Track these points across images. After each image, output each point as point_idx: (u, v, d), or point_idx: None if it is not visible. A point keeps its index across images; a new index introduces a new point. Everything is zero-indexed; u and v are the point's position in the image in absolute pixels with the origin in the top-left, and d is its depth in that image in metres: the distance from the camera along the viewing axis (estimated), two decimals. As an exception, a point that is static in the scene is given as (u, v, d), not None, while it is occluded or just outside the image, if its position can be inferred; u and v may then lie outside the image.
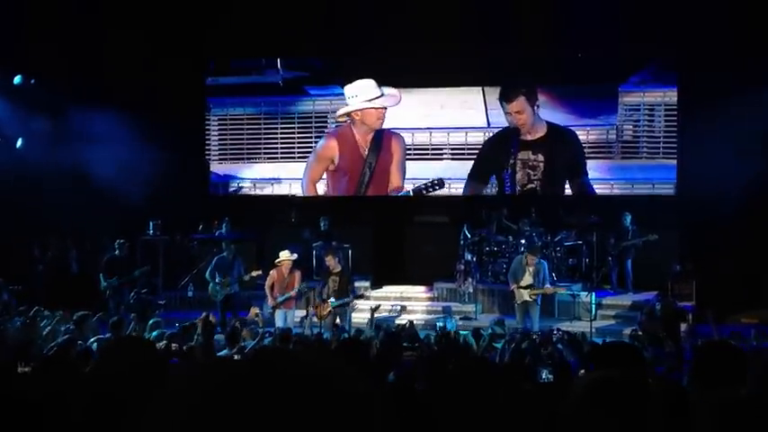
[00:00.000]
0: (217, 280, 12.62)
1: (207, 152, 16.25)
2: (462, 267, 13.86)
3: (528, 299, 11.86)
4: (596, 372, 2.08)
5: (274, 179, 15.85)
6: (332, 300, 11.82)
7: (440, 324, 11.86)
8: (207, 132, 16.22)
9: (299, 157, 15.67)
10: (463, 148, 15.21)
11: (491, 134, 14.99)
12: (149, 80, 14.60)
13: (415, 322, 11.46)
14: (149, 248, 14.52)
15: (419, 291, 14.53)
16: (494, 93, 14.73)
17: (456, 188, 15.04)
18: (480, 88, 14.92)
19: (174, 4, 14.93)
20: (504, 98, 14.56)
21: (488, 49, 14.06)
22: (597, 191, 14.63)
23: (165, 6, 14.83)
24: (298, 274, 12.18)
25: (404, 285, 14.59)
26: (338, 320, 11.77)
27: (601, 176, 14.60)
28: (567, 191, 14.74)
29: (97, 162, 14.31)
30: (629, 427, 1.77)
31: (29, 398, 3.10)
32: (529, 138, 14.58)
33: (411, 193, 14.95)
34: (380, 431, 1.04)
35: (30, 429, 2.98)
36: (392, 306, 13.73)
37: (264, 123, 15.96)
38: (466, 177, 15.02)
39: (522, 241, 13.60)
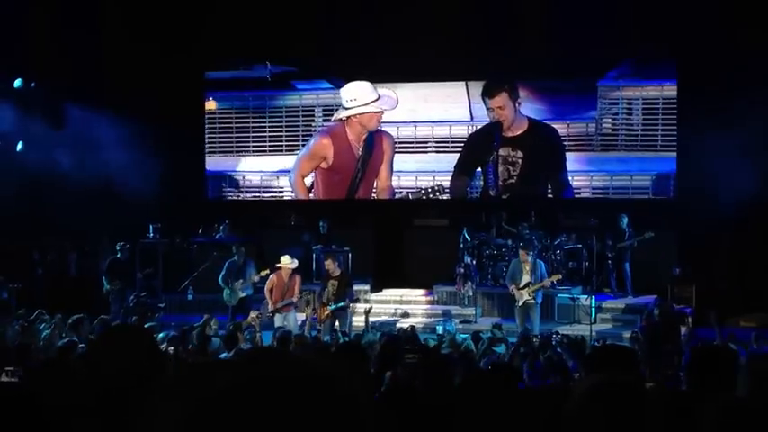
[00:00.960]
0: (230, 285, 12.62)
1: (206, 154, 16.35)
2: (462, 271, 13.86)
3: (528, 299, 11.82)
4: (596, 376, 2.08)
5: (263, 171, 16.14)
6: (331, 304, 11.82)
7: (440, 328, 11.85)
8: (206, 134, 16.33)
9: (286, 151, 15.94)
10: (447, 142, 15.46)
11: (474, 128, 15.25)
12: (148, 83, 14.62)
13: (414, 326, 11.44)
14: (149, 252, 14.53)
15: (419, 294, 14.51)
16: (477, 87, 15.01)
17: (441, 180, 15.25)
18: (464, 83, 15.17)
19: (171, 5, 14.97)
20: (487, 94, 14.77)
21: (471, 45, 14.19)
22: (576, 183, 14.87)
23: (161, 9, 14.87)
24: (298, 279, 12.15)
25: (404, 289, 14.58)
26: (337, 324, 11.76)
27: (580, 168, 14.85)
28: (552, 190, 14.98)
29: (96, 165, 14.34)
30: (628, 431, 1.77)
31: (26, 402, 3.09)
32: (509, 134, 14.79)
33: (410, 197, 15.09)
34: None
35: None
36: (395, 310, 13.74)
37: (253, 118, 16.19)
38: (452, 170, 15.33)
39: (522, 244, 13.59)
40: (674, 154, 14.32)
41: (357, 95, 14.90)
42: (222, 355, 8.11)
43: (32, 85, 14.65)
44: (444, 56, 14.32)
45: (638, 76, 14.58)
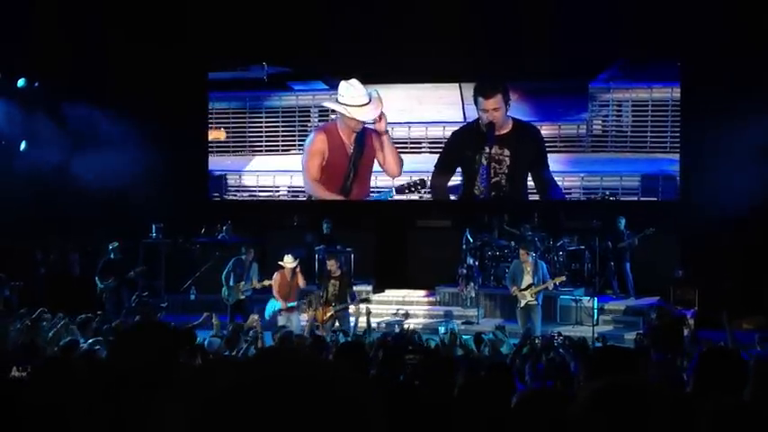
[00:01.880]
0: (231, 283, 12.64)
1: (208, 154, 16.44)
2: (464, 272, 13.86)
3: (530, 299, 11.80)
4: (600, 379, 2.08)
5: (260, 171, 16.37)
6: (335, 304, 11.82)
7: (442, 329, 11.82)
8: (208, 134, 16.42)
9: (282, 151, 16.22)
10: (441, 142, 15.68)
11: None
12: (151, 83, 14.66)
13: (417, 327, 11.43)
14: (152, 251, 14.55)
15: (421, 295, 14.52)
16: (470, 89, 15.22)
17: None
18: (457, 84, 15.38)
19: (173, 7, 15.00)
20: (482, 94, 14.97)
21: (466, 47, 14.31)
22: (567, 183, 15.10)
23: (165, 10, 14.90)
24: (300, 277, 12.25)
25: (406, 290, 14.59)
26: (337, 324, 11.76)
27: (571, 169, 15.07)
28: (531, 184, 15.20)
29: (99, 165, 14.35)
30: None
31: (30, 401, 3.10)
32: (496, 133, 14.99)
33: (394, 192, 15.34)
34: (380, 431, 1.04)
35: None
36: (397, 310, 13.72)
37: (249, 118, 16.42)
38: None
39: (522, 245, 13.57)
40: (677, 155, 14.40)
41: (346, 93, 15.07)
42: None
43: (36, 84, 14.67)
44: (438, 58, 14.47)
45: (628, 79, 14.82)
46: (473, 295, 13.70)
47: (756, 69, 12.75)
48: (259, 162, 16.40)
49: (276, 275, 12.23)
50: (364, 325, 11.12)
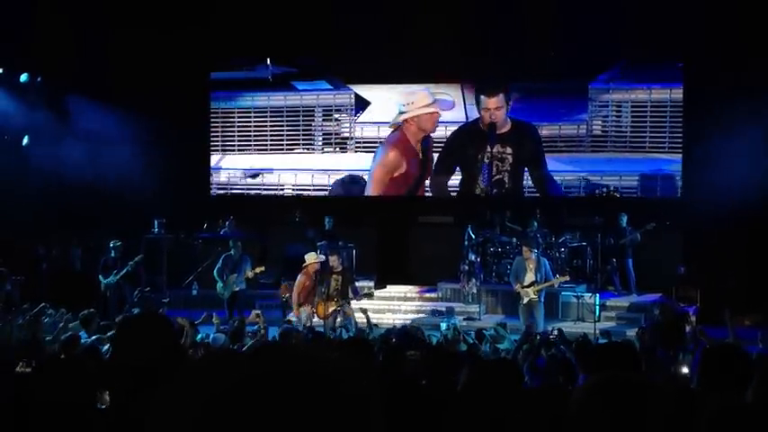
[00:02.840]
0: (224, 278, 12.68)
1: (211, 151, 16.49)
2: (466, 268, 13.85)
3: (533, 296, 11.80)
4: (600, 374, 2.08)
5: (266, 170, 16.55)
6: (335, 300, 11.81)
7: (444, 325, 11.82)
8: (212, 131, 16.46)
9: (287, 150, 16.42)
10: (443, 142, 15.79)
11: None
12: (154, 79, 14.66)
13: (418, 323, 11.43)
14: (154, 247, 14.55)
15: (423, 291, 14.52)
16: (472, 89, 15.39)
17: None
18: (459, 84, 15.49)
19: (176, 6, 15.00)
20: (486, 94, 15.14)
21: (468, 48, 14.39)
22: (567, 181, 15.28)
23: (167, 6, 14.90)
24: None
25: (408, 285, 14.59)
26: (339, 320, 11.75)
27: (572, 169, 15.24)
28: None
29: (101, 160, 14.36)
30: (633, 430, 1.77)
31: (34, 396, 3.11)
32: (498, 132, 15.19)
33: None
34: (381, 428, 1.05)
35: (34, 429, 2.99)
36: (399, 306, 13.72)
37: (255, 117, 16.55)
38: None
39: (524, 241, 13.57)
40: (680, 155, 14.48)
41: (413, 99, 15.29)
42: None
43: (38, 80, 14.67)
44: (441, 58, 14.53)
45: (628, 80, 14.95)
46: (475, 291, 13.70)
47: (757, 69, 12.75)
48: (263, 160, 16.53)
49: (300, 277, 12.00)
50: (363, 322, 11.11)
